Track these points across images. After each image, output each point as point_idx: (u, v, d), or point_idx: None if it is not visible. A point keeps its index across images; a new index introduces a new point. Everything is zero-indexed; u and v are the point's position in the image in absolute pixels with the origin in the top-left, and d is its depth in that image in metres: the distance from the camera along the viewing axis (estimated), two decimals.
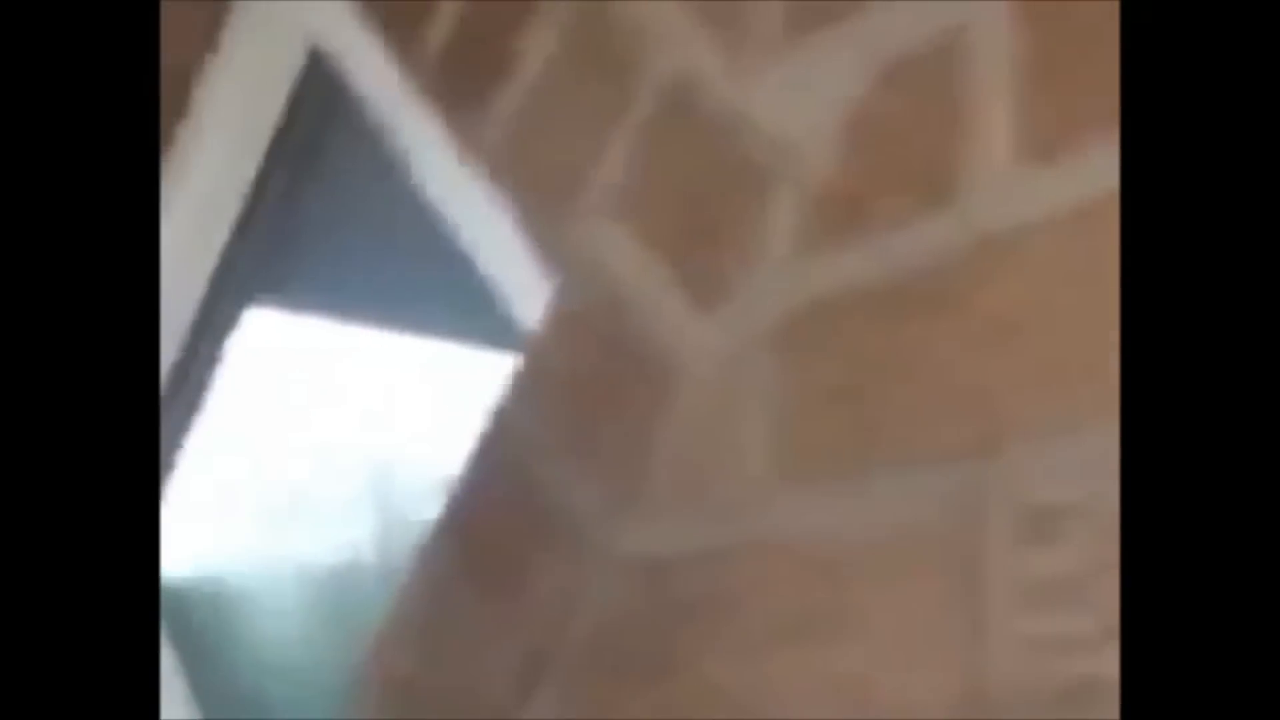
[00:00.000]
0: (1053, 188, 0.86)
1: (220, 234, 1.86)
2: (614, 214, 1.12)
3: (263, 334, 1.97)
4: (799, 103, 1.00)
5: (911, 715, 0.87)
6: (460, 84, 1.30)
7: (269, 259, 1.86)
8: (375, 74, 1.51)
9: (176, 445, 2.02)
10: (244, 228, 1.84)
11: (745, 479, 0.98)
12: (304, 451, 1.93)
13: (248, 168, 1.78)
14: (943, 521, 0.88)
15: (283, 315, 2.00)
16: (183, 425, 2.01)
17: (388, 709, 1.23)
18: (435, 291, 1.64)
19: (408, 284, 1.71)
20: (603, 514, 1.05)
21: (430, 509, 1.32)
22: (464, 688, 1.14)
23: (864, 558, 0.91)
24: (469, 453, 1.16)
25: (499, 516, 1.14)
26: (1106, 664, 0.80)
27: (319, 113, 1.71)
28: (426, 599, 1.20)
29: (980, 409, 0.88)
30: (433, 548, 1.19)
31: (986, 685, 0.84)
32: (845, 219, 0.97)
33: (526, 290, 1.27)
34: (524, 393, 1.14)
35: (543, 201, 1.19)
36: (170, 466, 2.02)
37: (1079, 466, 0.83)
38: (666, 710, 0.98)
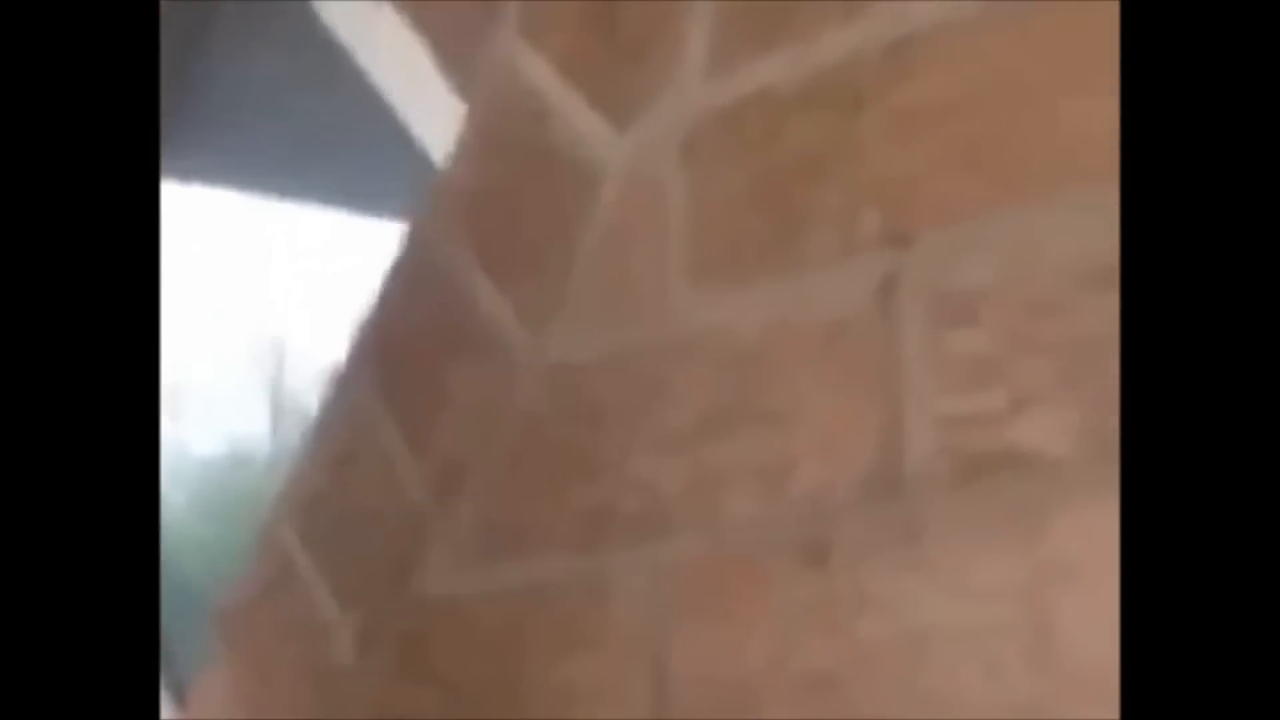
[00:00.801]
0: None
1: None
2: (526, 33, 1.12)
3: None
4: None
5: (831, 495, 0.90)
6: None
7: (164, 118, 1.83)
8: None
9: None
10: None
11: (665, 283, 1.00)
12: (195, 330, 1.92)
13: None
14: (861, 312, 0.91)
15: (174, 184, 1.98)
16: None
17: (300, 534, 1.24)
18: (342, 147, 1.63)
19: (312, 140, 1.70)
20: (523, 324, 1.07)
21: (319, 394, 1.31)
22: (378, 502, 1.16)
23: (784, 352, 0.93)
24: (386, 271, 1.17)
25: (417, 333, 1.15)
26: (1019, 435, 0.83)
27: None
28: (343, 423, 1.21)
29: (893, 201, 0.91)
30: (349, 371, 1.20)
31: (902, 463, 0.87)
32: (760, 29, 0.99)
33: (439, 125, 1.27)
34: (440, 210, 1.15)
35: (455, 26, 1.20)
36: None
37: (991, 250, 0.86)
38: (592, 507, 1.00)
